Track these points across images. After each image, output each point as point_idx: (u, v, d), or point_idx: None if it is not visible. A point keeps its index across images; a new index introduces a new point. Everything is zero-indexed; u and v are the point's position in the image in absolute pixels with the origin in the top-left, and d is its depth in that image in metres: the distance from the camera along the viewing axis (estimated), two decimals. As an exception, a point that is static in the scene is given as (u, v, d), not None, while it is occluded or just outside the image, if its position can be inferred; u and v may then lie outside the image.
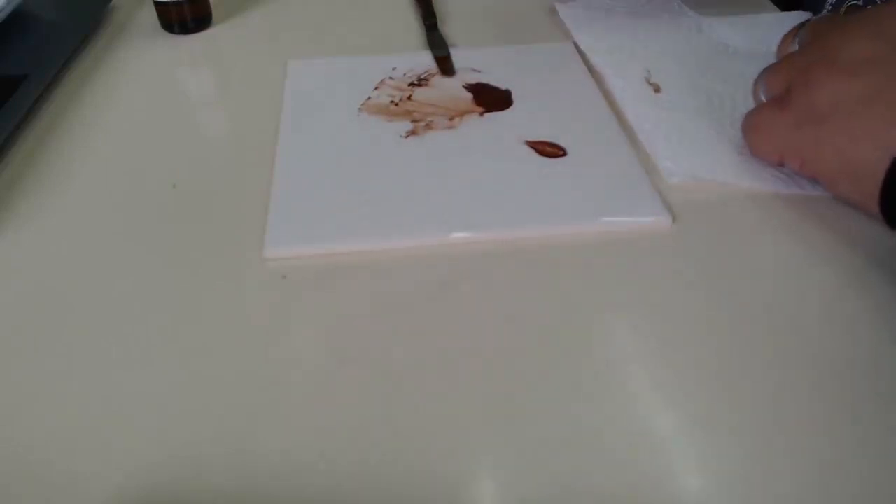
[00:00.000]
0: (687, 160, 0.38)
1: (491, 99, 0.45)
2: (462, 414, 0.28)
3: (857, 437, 0.27)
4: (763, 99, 0.37)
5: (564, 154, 0.40)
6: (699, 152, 0.39)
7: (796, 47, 0.37)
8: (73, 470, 0.26)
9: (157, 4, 0.53)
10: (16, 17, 0.51)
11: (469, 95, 0.45)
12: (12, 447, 0.27)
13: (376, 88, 0.46)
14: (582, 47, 0.50)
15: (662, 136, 0.40)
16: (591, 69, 0.48)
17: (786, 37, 0.38)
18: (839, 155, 0.32)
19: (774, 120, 0.35)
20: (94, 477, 0.26)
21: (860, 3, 0.38)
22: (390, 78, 0.47)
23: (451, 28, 0.54)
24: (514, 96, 0.45)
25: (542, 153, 0.40)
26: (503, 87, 0.46)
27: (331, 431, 0.27)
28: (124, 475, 0.26)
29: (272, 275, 0.34)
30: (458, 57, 0.49)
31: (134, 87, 0.48)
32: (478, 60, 0.49)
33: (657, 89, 0.44)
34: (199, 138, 0.44)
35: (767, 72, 0.37)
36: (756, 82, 0.38)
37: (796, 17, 0.53)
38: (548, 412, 0.28)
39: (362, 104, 0.45)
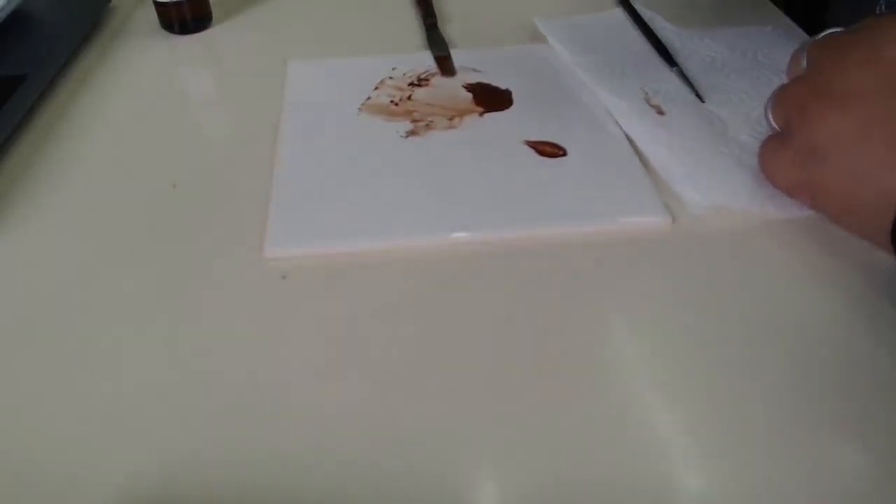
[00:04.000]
0: (708, 188, 0.37)
1: (491, 99, 0.45)
2: (462, 413, 0.28)
3: (850, 439, 0.27)
4: (773, 126, 0.36)
5: (564, 154, 0.40)
6: (718, 180, 0.37)
7: (804, 65, 0.36)
8: (73, 470, 0.26)
9: (157, 4, 0.53)
10: (16, 17, 0.51)
11: (469, 95, 0.45)
12: (12, 447, 0.27)
13: (376, 88, 0.46)
14: (570, 63, 0.48)
15: (677, 163, 0.39)
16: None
17: (794, 55, 0.37)
18: (842, 194, 0.32)
19: (778, 157, 0.35)
20: (94, 477, 0.26)
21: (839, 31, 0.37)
22: (390, 78, 0.47)
23: (451, 28, 0.54)
24: (514, 96, 0.45)
25: (542, 153, 0.40)
26: (503, 87, 0.46)
27: (331, 431, 0.27)
28: (124, 475, 0.26)
29: (272, 275, 0.34)
30: (458, 57, 0.49)
31: (134, 87, 0.48)
32: (478, 60, 0.49)
33: (660, 111, 0.42)
34: (199, 138, 0.44)
35: (772, 100, 0.36)
36: (765, 108, 0.37)
37: (766, 32, 0.50)
38: (548, 411, 0.28)
39: (362, 104, 0.45)
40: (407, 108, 0.44)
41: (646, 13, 0.53)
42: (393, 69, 0.48)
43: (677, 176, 0.38)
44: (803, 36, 0.50)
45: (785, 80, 0.37)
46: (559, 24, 0.53)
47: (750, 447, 0.26)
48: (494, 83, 0.46)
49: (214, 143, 0.43)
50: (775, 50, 0.48)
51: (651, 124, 0.42)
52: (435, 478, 0.25)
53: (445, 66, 0.48)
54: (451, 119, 0.43)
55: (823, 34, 0.35)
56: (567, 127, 0.42)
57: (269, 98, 0.46)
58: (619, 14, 0.54)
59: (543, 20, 0.53)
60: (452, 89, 0.46)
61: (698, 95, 0.44)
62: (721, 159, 0.39)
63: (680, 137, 0.40)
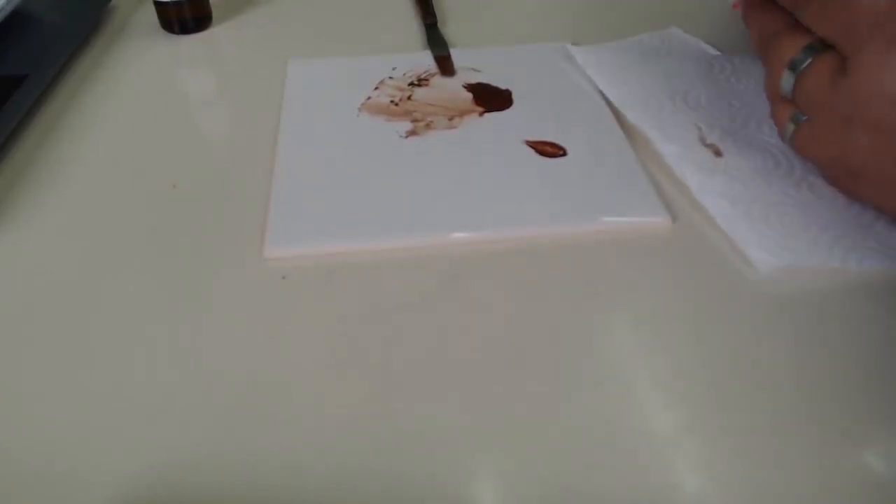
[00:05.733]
0: (777, 244, 0.33)
1: (491, 99, 0.45)
2: (462, 413, 0.28)
3: (851, 439, 0.27)
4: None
5: (564, 154, 0.40)
6: (789, 232, 0.34)
7: None
8: (73, 470, 0.26)
9: (156, 4, 0.53)
10: (16, 17, 0.51)
11: (469, 95, 0.45)
12: (12, 447, 0.27)
13: (376, 88, 0.46)
14: (613, 102, 0.44)
15: (743, 217, 0.35)
16: (629, 127, 0.42)
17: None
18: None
19: None
20: (93, 477, 0.26)
21: None
22: (390, 78, 0.47)
23: (451, 28, 0.54)
24: (514, 96, 0.45)
25: (542, 153, 0.40)
26: (503, 87, 0.46)
27: (330, 432, 0.27)
28: (123, 475, 0.26)
29: (272, 275, 0.34)
30: (458, 57, 0.49)
31: (134, 87, 0.48)
32: (478, 60, 0.49)
33: (717, 152, 0.38)
34: (199, 138, 0.44)
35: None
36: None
37: None
38: (547, 411, 0.28)
39: (362, 104, 0.45)
40: (407, 108, 0.44)
41: (689, 38, 0.50)
42: (393, 69, 0.48)
43: (743, 233, 0.34)
44: None
45: None
46: (596, 54, 0.48)
47: (750, 447, 0.26)
48: (494, 83, 0.46)
49: (214, 143, 0.43)
50: None
51: (707, 171, 0.37)
52: (435, 478, 0.26)
53: (445, 66, 0.48)
54: (451, 119, 0.43)
55: None
56: (567, 127, 0.42)
57: (269, 98, 0.46)
58: (654, 38, 0.50)
59: (578, 48, 0.49)
60: (452, 89, 0.46)
61: None
62: (790, 205, 0.35)
63: (742, 185, 0.36)
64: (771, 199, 0.35)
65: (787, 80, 0.32)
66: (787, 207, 0.35)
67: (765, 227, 0.34)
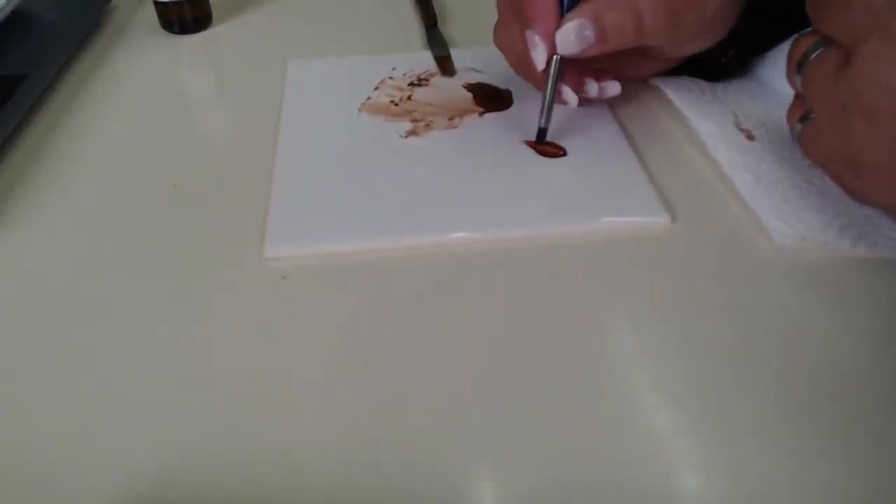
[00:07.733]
0: (795, 218, 0.35)
1: (491, 99, 0.45)
2: (462, 413, 0.28)
3: (852, 439, 0.27)
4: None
5: (564, 154, 0.40)
6: (806, 211, 0.36)
7: None
8: (72, 471, 0.26)
9: (156, 4, 0.53)
10: (16, 17, 0.51)
11: (469, 95, 0.45)
12: (12, 447, 0.27)
13: (376, 88, 0.46)
14: (654, 81, 0.45)
15: (765, 191, 0.37)
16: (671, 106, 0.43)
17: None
18: None
19: None
20: (93, 478, 0.26)
21: None
22: (390, 78, 0.47)
23: (451, 28, 0.54)
24: (514, 96, 0.45)
25: (542, 153, 0.40)
26: (503, 87, 0.46)
27: (331, 432, 0.27)
28: (123, 476, 0.26)
29: (272, 275, 0.34)
30: (458, 57, 0.49)
31: (134, 87, 0.48)
32: (478, 60, 0.49)
33: (750, 136, 0.40)
34: (199, 138, 0.44)
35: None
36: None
37: None
38: (547, 411, 0.28)
39: (362, 104, 0.45)
40: (407, 108, 0.44)
41: None
42: (393, 69, 0.48)
43: (764, 205, 0.36)
44: None
45: None
46: None
47: (750, 448, 0.26)
48: (494, 83, 0.46)
49: (214, 143, 0.43)
50: None
51: (738, 149, 0.39)
52: (434, 477, 0.26)
53: (445, 66, 0.48)
54: (451, 119, 0.43)
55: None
56: (567, 127, 0.42)
57: (269, 98, 0.46)
58: None
59: None
60: (452, 89, 0.46)
61: None
62: (811, 191, 0.37)
63: (768, 165, 0.38)
64: (793, 183, 0.37)
65: (797, 77, 0.33)
66: (807, 192, 0.37)
67: (783, 204, 0.36)
